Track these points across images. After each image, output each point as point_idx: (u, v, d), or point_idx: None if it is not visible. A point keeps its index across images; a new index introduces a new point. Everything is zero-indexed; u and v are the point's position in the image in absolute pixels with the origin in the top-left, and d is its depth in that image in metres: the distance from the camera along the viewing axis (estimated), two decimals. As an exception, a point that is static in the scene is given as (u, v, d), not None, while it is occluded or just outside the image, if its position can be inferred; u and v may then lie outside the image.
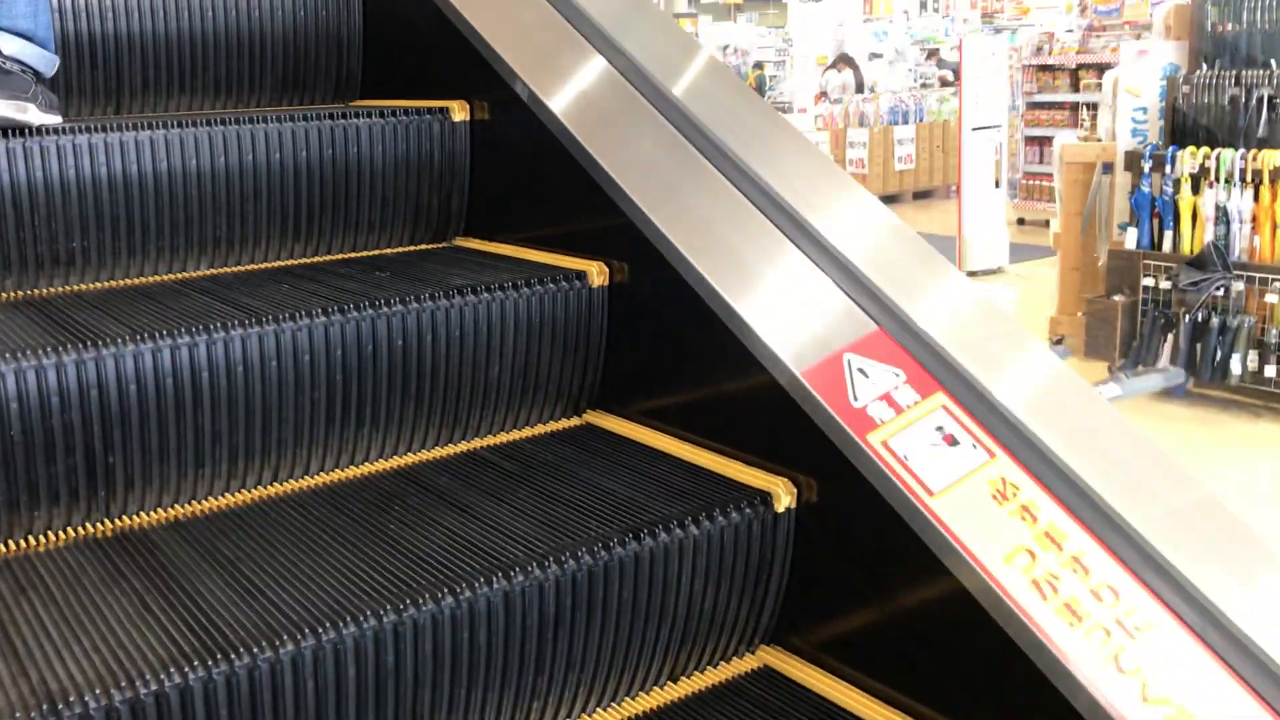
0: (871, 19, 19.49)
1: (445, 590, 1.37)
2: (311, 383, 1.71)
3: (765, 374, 1.63)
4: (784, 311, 1.69)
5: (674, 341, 1.87)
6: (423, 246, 2.24)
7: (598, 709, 1.55)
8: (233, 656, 1.24)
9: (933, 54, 18.64)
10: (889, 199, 12.64)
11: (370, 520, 1.59)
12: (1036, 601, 1.30)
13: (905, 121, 12.97)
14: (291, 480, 1.75)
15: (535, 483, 1.70)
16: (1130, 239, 5.83)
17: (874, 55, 18.31)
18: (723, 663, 1.65)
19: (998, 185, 9.23)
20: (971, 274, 8.74)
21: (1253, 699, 1.24)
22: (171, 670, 1.22)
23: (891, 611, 1.53)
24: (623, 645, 1.52)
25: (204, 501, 1.68)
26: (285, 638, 1.28)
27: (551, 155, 2.00)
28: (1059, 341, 6.51)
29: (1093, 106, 10.61)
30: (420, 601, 1.35)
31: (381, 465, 1.80)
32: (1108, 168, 6.30)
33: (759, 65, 19.30)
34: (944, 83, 16.83)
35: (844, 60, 16.46)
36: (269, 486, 1.73)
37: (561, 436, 1.91)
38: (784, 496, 1.61)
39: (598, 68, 2.09)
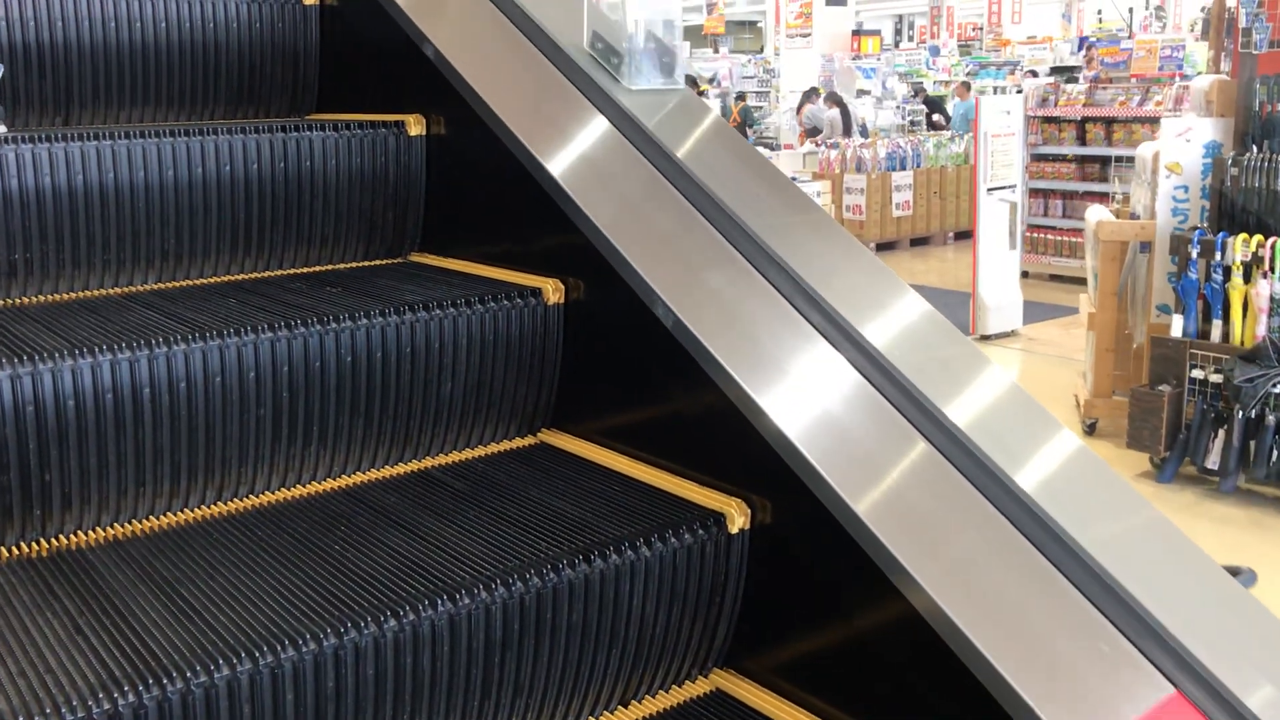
0: (860, 56, 19.53)
1: (388, 613, 1.34)
2: (257, 400, 1.67)
3: (720, 394, 1.61)
4: (740, 330, 1.68)
5: (630, 361, 1.85)
6: (377, 262, 2.21)
7: (546, 734, 1.51)
8: (165, 681, 1.20)
9: (918, 91, 18.68)
10: (886, 246, 12.39)
11: (315, 541, 1.55)
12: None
13: (903, 167, 12.79)
14: (235, 500, 1.71)
15: (486, 503, 1.66)
16: (1176, 326, 5.47)
17: (861, 92, 18.43)
18: (675, 686, 1.62)
19: (1012, 247, 8.91)
20: (985, 339, 8.48)
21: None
22: (101, 695, 1.17)
23: (845, 634, 1.51)
24: (572, 669, 1.49)
25: (144, 521, 1.64)
26: (221, 661, 1.24)
27: (509, 172, 1.98)
28: (1093, 426, 6.30)
29: (1097, 160, 10.53)
30: (362, 625, 1.32)
31: (329, 484, 1.76)
32: (1145, 247, 6.01)
33: (740, 97, 19.11)
34: (934, 126, 16.87)
35: (832, 99, 16.52)
36: (212, 506, 1.69)
37: (515, 455, 1.88)
38: (738, 518, 1.59)
39: (558, 85, 2.07)
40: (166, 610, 1.36)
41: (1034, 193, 11.05)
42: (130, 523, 1.63)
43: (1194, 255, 5.36)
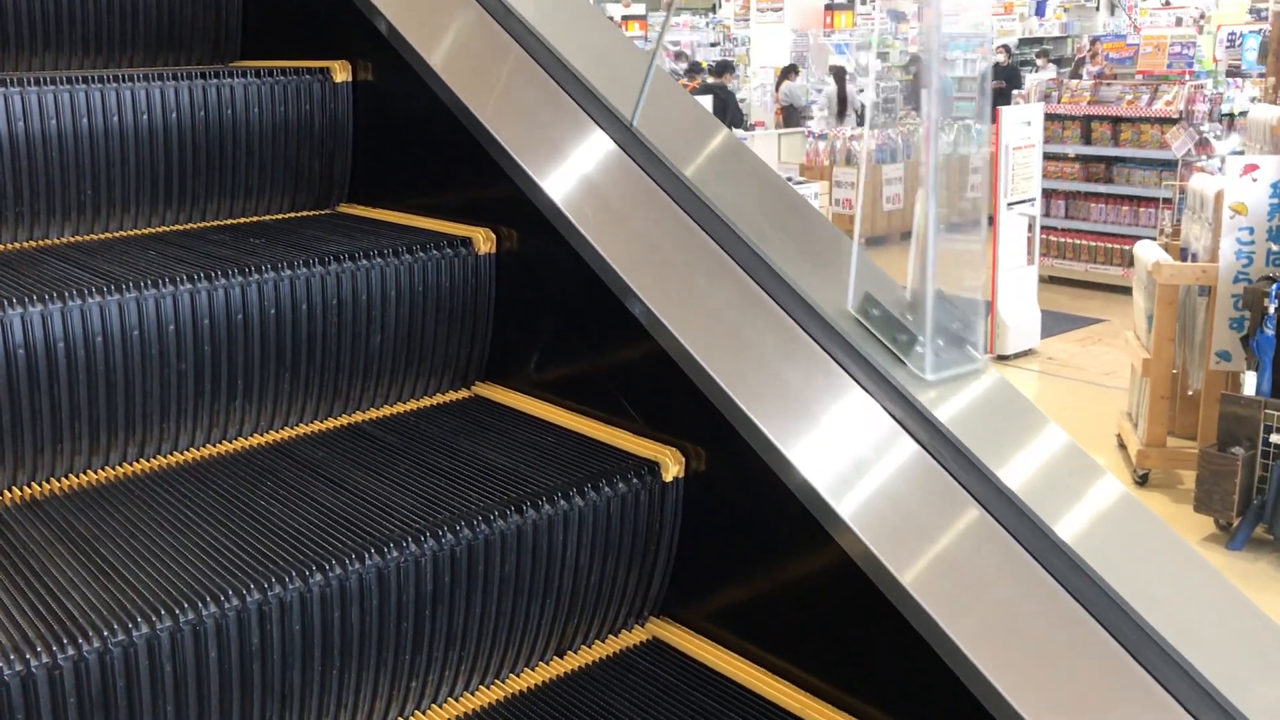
0: (833, 32, 18.94)
1: (315, 568, 1.31)
2: (178, 354, 1.62)
3: (654, 343, 1.59)
4: (674, 279, 1.66)
5: (564, 311, 1.83)
6: (304, 213, 2.16)
7: (480, 686, 1.50)
8: (81, 641, 1.17)
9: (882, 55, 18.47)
10: (876, 241, 12.20)
11: (240, 496, 1.52)
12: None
13: (894, 160, 12.23)
14: (158, 456, 1.66)
15: (417, 456, 1.64)
16: (1249, 384, 5.06)
17: (834, 69, 18.14)
18: (611, 636, 1.61)
19: (1030, 262, 8.41)
20: (1003, 359, 8.09)
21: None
22: (13, 657, 1.14)
23: (779, 581, 1.51)
24: (506, 621, 1.48)
25: (62, 480, 1.59)
26: (140, 620, 1.21)
27: (439, 120, 1.93)
28: (1145, 476, 5.94)
29: (1102, 160, 9.90)
30: (287, 580, 1.29)
31: (255, 440, 1.73)
32: (1205, 291, 5.61)
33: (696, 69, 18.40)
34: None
35: (834, 73, 16.24)
36: (133, 463, 1.64)
37: (448, 409, 1.85)
38: (672, 466, 1.58)
39: (487, 29, 2.03)
40: (84, 569, 1.32)
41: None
42: (48, 481, 1.58)
43: (1271, 310, 4.98)
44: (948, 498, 1.37)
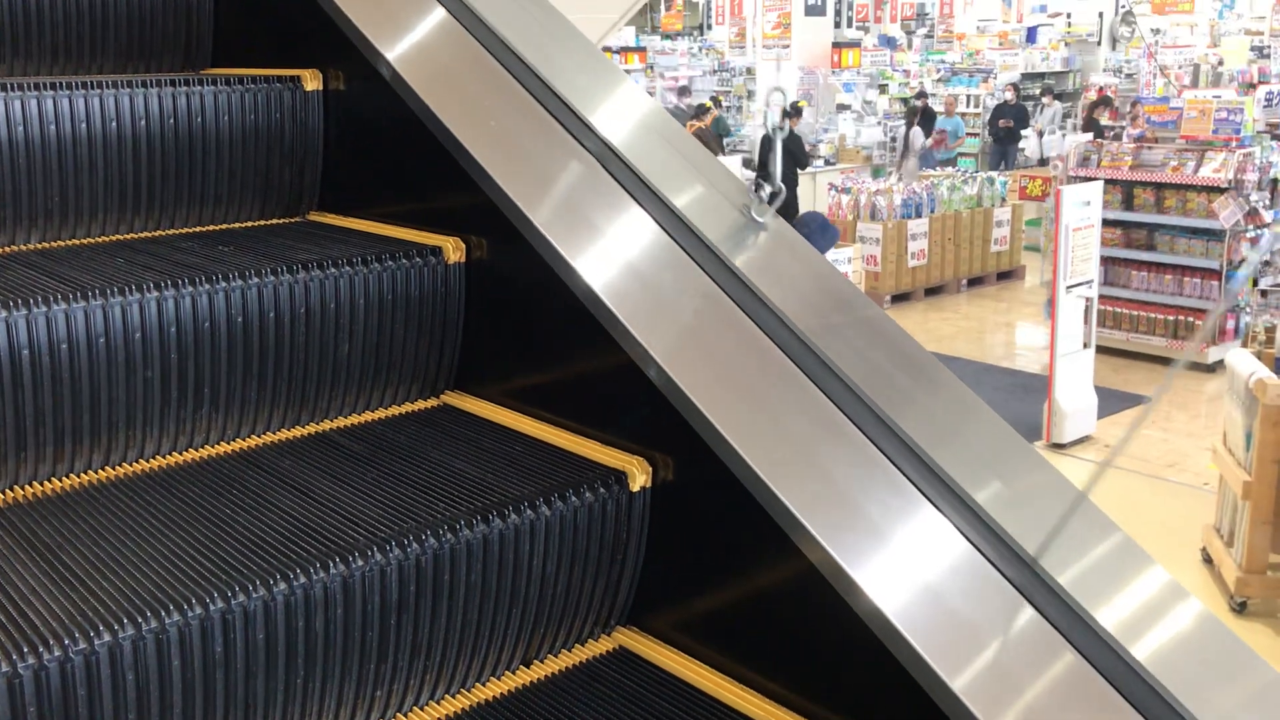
0: (840, 71, 18.61)
1: (279, 576, 1.31)
2: (144, 361, 1.62)
3: (623, 354, 1.60)
4: (642, 288, 1.66)
5: (534, 321, 1.83)
6: (273, 221, 2.15)
7: (446, 696, 1.50)
8: (42, 649, 1.16)
9: (920, 97, 18.08)
10: (901, 298, 11.69)
11: (205, 505, 1.51)
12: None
13: (919, 214, 11.78)
14: (124, 464, 1.66)
15: (384, 465, 1.64)
16: None
17: (841, 107, 18.01)
18: (578, 645, 1.62)
19: (1087, 345, 8.00)
20: (1058, 447, 7.69)
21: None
22: (-28, 666, 1.13)
23: (745, 591, 1.52)
24: (472, 630, 1.48)
25: (25, 487, 1.58)
26: (102, 628, 1.20)
27: (409, 129, 1.93)
28: (1243, 604, 5.64)
29: (1144, 227, 9.56)
30: (251, 588, 1.29)
31: (222, 448, 1.72)
32: None
33: (702, 111, 17.63)
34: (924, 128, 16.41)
35: (911, 114, 15.99)
36: (99, 471, 1.63)
37: (416, 418, 1.85)
38: (639, 476, 1.59)
39: (459, 39, 2.03)
40: (46, 577, 1.31)
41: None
42: (11, 489, 1.57)
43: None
44: (931, 525, 1.38)
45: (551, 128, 1.87)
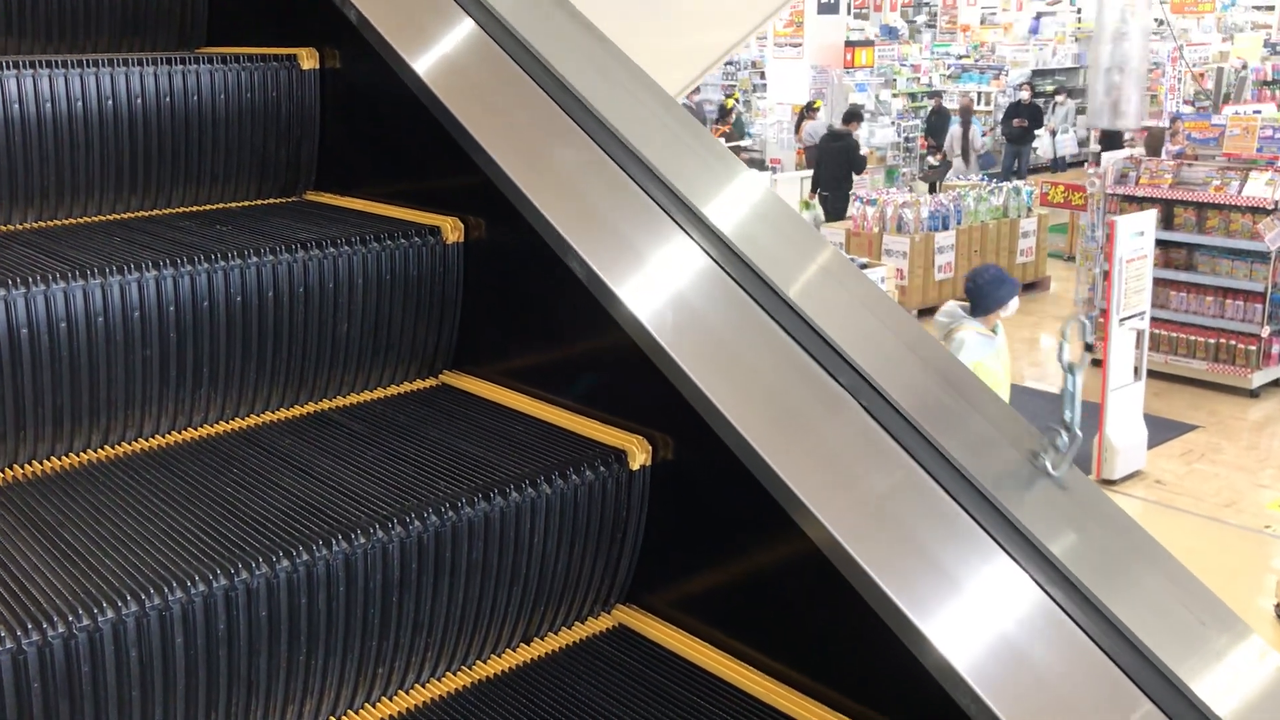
0: (853, 70, 18.30)
1: (282, 554, 1.31)
2: (143, 340, 1.61)
3: (623, 333, 1.60)
4: (643, 269, 1.66)
5: (532, 300, 1.83)
6: (270, 200, 2.15)
7: (448, 673, 1.51)
8: (46, 626, 1.17)
9: (933, 98, 17.70)
10: (927, 312, 10.94)
11: (206, 484, 1.52)
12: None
13: (945, 227, 11.54)
14: (124, 443, 1.66)
15: (384, 444, 1.64)
16: None
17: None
18: (578, 623, 1.62)
19: (1138, 378, 7.80)
20: (1110, 483, 7.45)
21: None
22: (-24, 642, 1.13)
23: (745, 568, 1.52)
24: (473, 607, 1.49)
25: (26, 466, 1.58)
26: (105, 605, 1.21)
27: (407, 108, 1.93)
28: None
29: (1183, 246, 9.19)
30: (254, 565, 1.29)
31: (222, 427, 1.72)
32: None
33: (726, 111, 16.95)
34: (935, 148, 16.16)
35: (963, 114, 15.55)
36: (99, 450, 1.63)
37: (415, 397, 1.86)
38: (639, 454, 1.59)
39: (455, 17, 2.02)
40: (49, 554, 1.32)
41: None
42: (10, 468, 1.57)
43: None
44: (933, 499, 1.39)
45: (550, 107, 1.86)
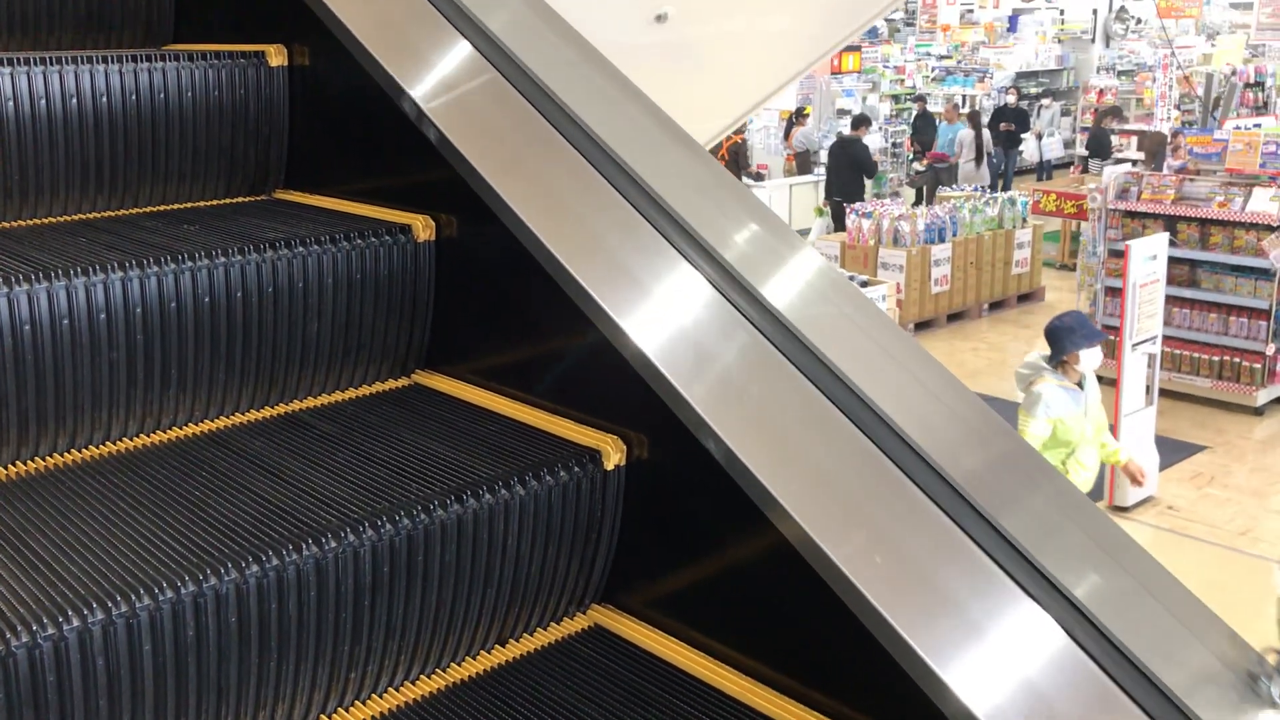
0: (841, 75, 18.08)
1: (251, 559, 1.30)
2: (109, 342, 1.59)
3: (597, 332, 1.59)
4: (616, 268, 1.65)
5: (504, 299, 1.82)
6: (239, 199, 2.12)
7: (421, 676, 1.49)
8: (9, 635, 1.15)
9: (919, 101, 17.61)
10: (924, 325, 11.25)
11: (175, 488, 1.50)
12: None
13: (942, 239, 11.40)
14: (90, 447, 1.63)
15: (355, 445, 1.62)
16: None
17: (842, 113, 17.61)
18: (553, 624, 1.61)
19: (1149, 403, 7.66)
20: (1121, 510, 7.35)
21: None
22: (-63, 653, 1.11)
23: (720, 567, 1.52)
24: (446, 610, 1.47)
25: (-10, 471, 1.56)
26: (71, 613, 1.19)
27: (376, 105, 1.91)
28: None
29: (1186, 263, 8.98)
30: (223, 571, 1.27)
31: (191, 430, 1.70)
32: None
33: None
34: (922, 152, 16.02)
35: (971, 120, 15.53)
36: (64, 454, 1.61)
37: (387, 398, 1.84)
38: (613, 454, 1.58)
39: (425, 11, 2.00)
40: (12, 562, 1.29)
41: (1111, 291, 9.63)
42: (-26, 474, 1.55)
43: None
44: (911, 502, 1.39)
45: (520, 104, 1.85)
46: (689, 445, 1.46)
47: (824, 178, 14.74)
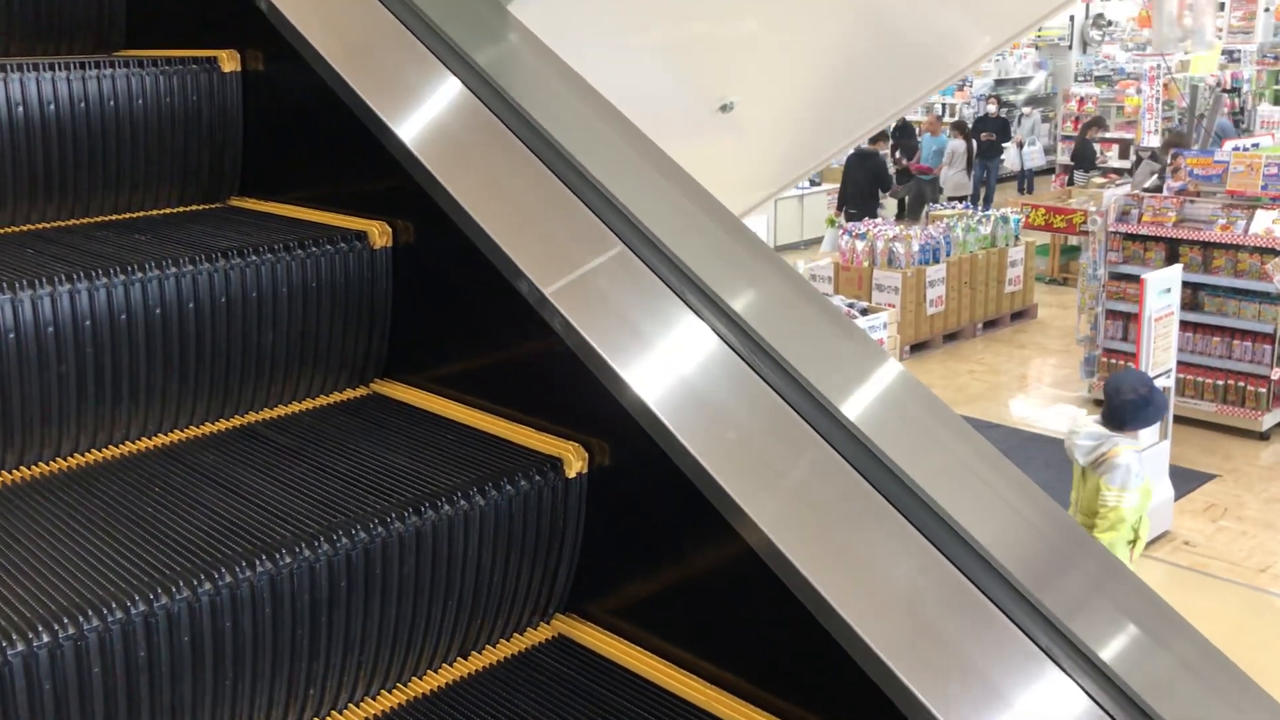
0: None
1: (204, 576, 1.27)
2: (58, 356, 1.56)
3: (556, 338, 1.57)
4: (576, 273, 1.64)
5: (464, 306, 1.79)
6: (193, 207, 2.09)
7: (382, 691, 1.47)
8: (-49, 662, 1.12)
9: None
10: (920, 347, 11.11)
11: (126, 504, 1.46)
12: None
13: (936, 260, 11.26)
14: (40, 464, 1.60)
15: (312, 458, 1.60)
16: None
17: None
18: (516, 635, 1.59)
19: (1163, 437, 7.45)
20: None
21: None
22: (-123, 681, 1.08)
23: (683, 575, 1.50)
24: (406, 624, 1.45)
25: (-65, 490, 1.52)
26: (16, 636, 1.16)
27: (332, 111, 1.88)
28: None
29: (1188, 286, 8.64)
30: (175, 590, 1.25)
31: (143, 444, 1.67)
32: None
33: None
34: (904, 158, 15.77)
35: (957, 129, 15.43)
36: (12, 472, 1.57)
37: (345, 408, 1.81)
38: (575, 462, 1.56)
39: (379, 15, 1.98)
40: (-44, 585, 1.26)
41: (1111, 314, 9.59)
42: (-81, 493, 1.51)
43: None
44: (849, 481, 1.38)
45: (479, 111, 1.83)
46: (651, 453, 1.44)
47: (835, 188, 14.70)
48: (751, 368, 1.50)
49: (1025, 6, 3.85)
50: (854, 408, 1.44)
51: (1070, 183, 14.52)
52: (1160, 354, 7.70)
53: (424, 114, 1.83)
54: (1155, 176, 9.74)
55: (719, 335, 1.53)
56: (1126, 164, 14.38)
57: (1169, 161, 9.84)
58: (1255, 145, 9.84)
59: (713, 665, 1.45)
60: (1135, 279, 8.91)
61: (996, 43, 4.12)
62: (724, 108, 3.45)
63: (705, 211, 1.74)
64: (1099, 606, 1.32)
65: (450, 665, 1.53)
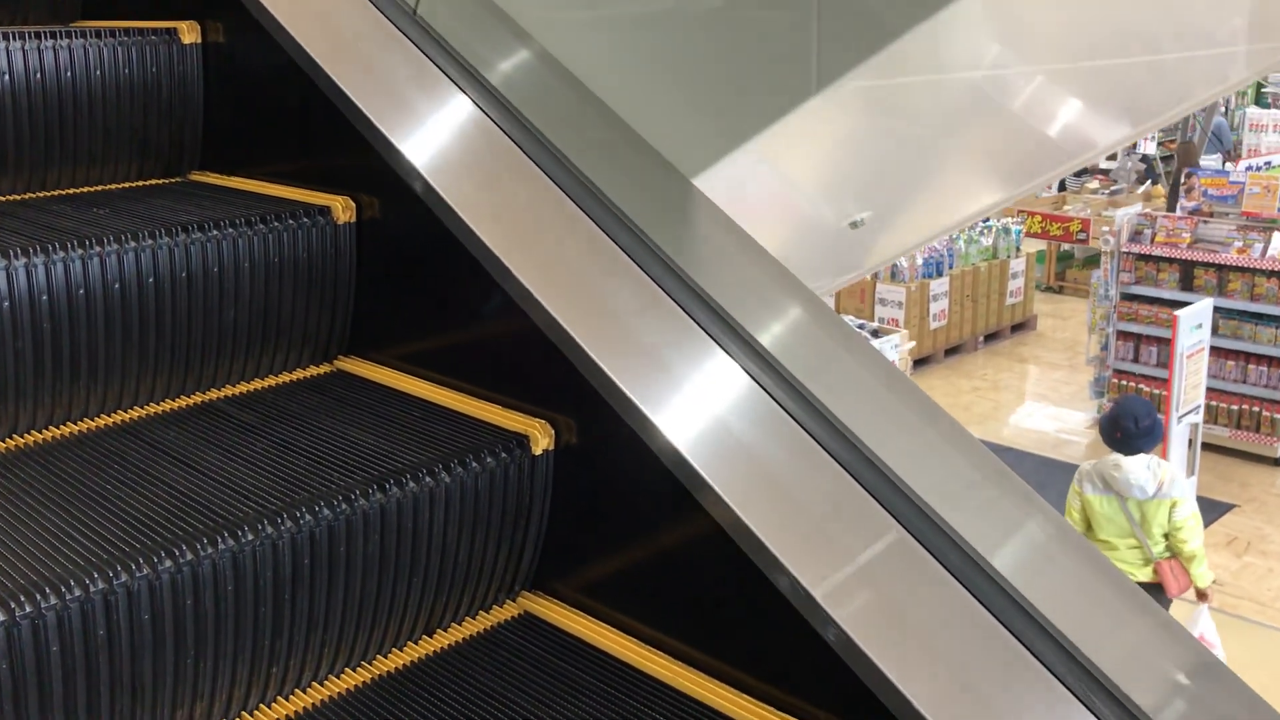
0: None
1: (164, 554, 1.25)
2: (14, 331, 1.53)
3: (523, 315, 1.56)
4: (540, 247, 1.62)
5: (429, 282, 1.78)
6: (152, 181, 2.06)
7: (346, 670, 1.46)
8: (-95, 641, 1.10)
9: None
10: (922, 361, 10.78)
11: (85, 482, 1.44)
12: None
13: (940, 273, 11.10)
14: (-4, 441, 1.57)
15: (274, 434, 1.58)
16: None
17: None
18: (482, 613, 1.59)
19: (1190, 473, 7.27)
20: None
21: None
22: None
23: (650, 552, 1.50)
24: (371, 602, 1.44)
25: (-113, 468, 1.49)
26: (-29, 616, 1.14)
27: (294, 83, 1.86)
28: None
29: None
30: (135, 567, 1.23)
31: (102, 421, 1.64)
32: None
33: None
34: None
35: None
36: (-33, 449, 1.55)
37: (308, 385, 1.79)
38: (541, 439, 1.56)
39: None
40: (-91, 564, 1.24)
41: (1123, 335, 9.39)
42: None
43: None
44: (816, 460, 1.38)
45: (442, 83, 1.81)
46: (618, 429, 1.44)
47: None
48: (724, 349, 1.49)
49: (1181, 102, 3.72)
50: (821, 386, 1.45)
51: (1062, 188, 14.59)
52: (1190, 391, 7.50)
53: (385, 81, 1.80)
54: (1136, 177, 9.69)
55: (690, 316, 1.52)
56: (1114, 164, 14.39)
57: (1183, 181, 9.72)
58: (1269, 165, 9.76)
59: (679, 642, 1.45)
60: (1148, 300, 8.90)
61: (1134, 132, 4.04)
62: (853, 224, 3.44)
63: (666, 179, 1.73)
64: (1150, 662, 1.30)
65: (415, 643, 1.52)
